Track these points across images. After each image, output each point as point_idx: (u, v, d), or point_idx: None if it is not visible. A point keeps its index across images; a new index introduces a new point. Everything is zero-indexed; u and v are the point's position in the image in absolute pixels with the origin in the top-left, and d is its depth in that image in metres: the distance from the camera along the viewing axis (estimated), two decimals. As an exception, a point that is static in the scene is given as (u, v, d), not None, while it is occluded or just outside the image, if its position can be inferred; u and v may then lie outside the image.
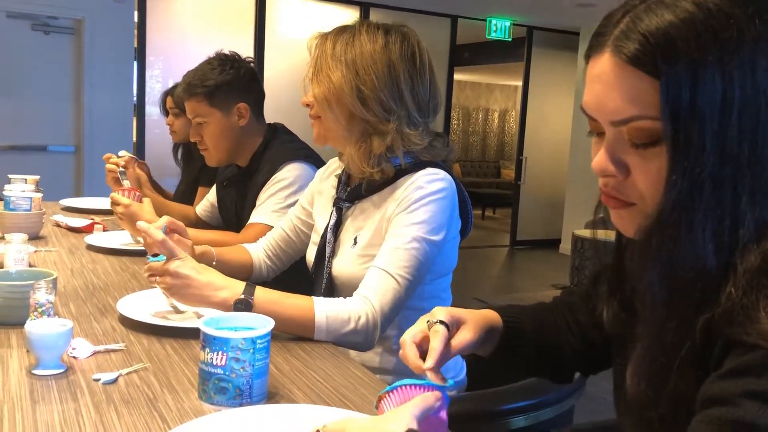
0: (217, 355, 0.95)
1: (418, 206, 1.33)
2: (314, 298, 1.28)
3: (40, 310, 1.14)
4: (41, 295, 1.14)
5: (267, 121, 2.12)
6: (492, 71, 9.80)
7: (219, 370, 0.95)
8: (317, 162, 2.01)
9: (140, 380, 1.04)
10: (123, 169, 2.17)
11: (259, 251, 1.69)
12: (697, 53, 0.65)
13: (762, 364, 0.61)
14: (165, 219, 1.35)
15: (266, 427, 0.88)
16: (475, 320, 0.98)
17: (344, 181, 1.52)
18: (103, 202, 2.73)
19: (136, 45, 5.73)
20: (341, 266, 1.44)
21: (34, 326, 1.05)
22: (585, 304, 1.06)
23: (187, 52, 5.87)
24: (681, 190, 0.66)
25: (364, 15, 6.82)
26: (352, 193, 1.46)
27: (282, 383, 1.06)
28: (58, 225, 2.25)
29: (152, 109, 5.78)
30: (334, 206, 1.49)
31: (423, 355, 0.90)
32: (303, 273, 1.64)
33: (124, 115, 5.43)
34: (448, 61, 7.36)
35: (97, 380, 1.03)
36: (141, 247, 1.94)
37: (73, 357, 1.11)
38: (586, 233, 5.65)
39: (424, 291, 1.41)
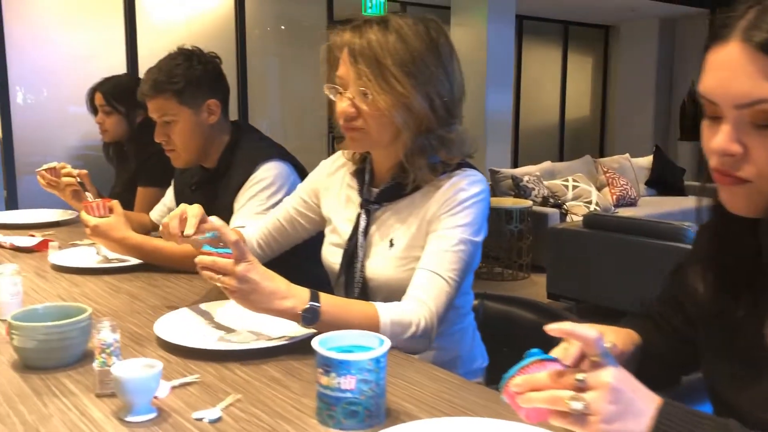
0: (346, 378, 0.93)
1: (461, 209, 1.35)
2: (376, 303, 1.27)
3: (108, 351, 1.05)
4: (107, 334, 1.06)
5: None
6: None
7: (348, 394, 0.93)
8: (292, 160, 1.97)
9: (243, 413, 1.00)
10: (81, 182, 2.01)
11: (250, 239, 1.64)
12: None
13: None
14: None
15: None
16: (620, 336, 1.03)
17: (368, 181, 1.50)
18: (34, 215, 2.50)
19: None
20: (377, 269, 1.43)
21: (123, 370, 0.98)
22: (669, 307, 1.12)
23: (50, 35, 5.47)
24: None
25: (239, -3, 6.61)
26: (382, 195, 1.45)
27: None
28: (0, 246, 2.05)
29: (15, 97, 5.31)
30: (362, 208, 1.47)
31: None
32: (290, 263, 1.61)
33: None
34: (327, 40, 7.29)
35: (200, 419, 0.97)
36: (118, 263, 1.82)
37: (154, 396, 1.04)
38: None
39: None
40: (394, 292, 1.37)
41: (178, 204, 2.13)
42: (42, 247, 2.01)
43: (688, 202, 6.78)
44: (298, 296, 1.20)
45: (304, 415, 0.99)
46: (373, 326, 1.23)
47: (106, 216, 1.73)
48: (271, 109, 7.22)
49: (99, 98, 2.56)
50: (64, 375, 1.13)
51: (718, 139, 0.80)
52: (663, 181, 7.17)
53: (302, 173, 1.96)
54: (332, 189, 1.59)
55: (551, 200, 5.85)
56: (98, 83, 2.60)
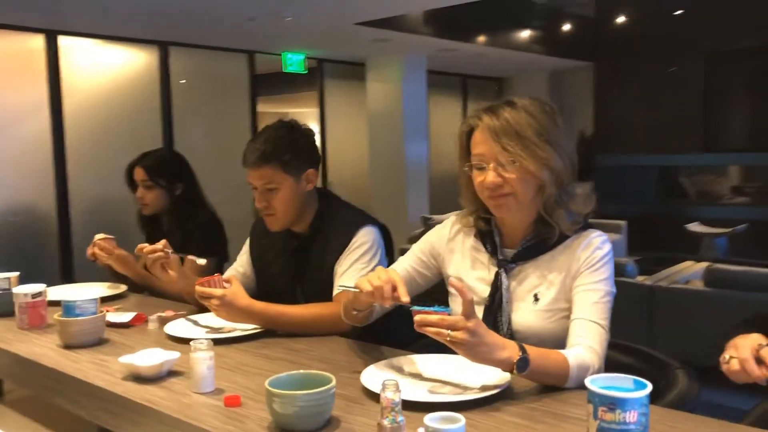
0: (630, 413, 1.13)
1: (601, 265, 1.61)
2: (563, 351, 1.47)
3: (396, 409, 1.19)
4: (391, 394, 1.20)
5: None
6: (289, 101, 10.03)
7: (632, 426, 1.13)
8: (379, 223, 2.14)
9: (526, 452, 1.17)
10: (167, 251, 2.06)
11: None
12: None
13: None
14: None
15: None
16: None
17: (500, 243, 1.71)
18: (84, 292, 2.45)
19: None
20: (524, 322, 1.64)
21: (437, 422, 1.13)
22: None
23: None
24: None
25: (164, 55, 6.64)
26: (521, 254, 1.67)
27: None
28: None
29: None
30: (500, 268, 1.68)
31: None
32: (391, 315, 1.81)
33: None
34: (249, 94, 7.44)
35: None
36: (236, 333, 1.90)
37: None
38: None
39: None
40: (540, 343, 1.57)
41: (257, 268, 2.23)
42: (137, 321, 2.03)
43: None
44: (512, 348, 1.40)
45: (576, 448, 1.18)
46: (565, 371, 1.44)
47: (223, 288, 1.83)
48: (195, 163, 7.18)
49: (140, 173, 2.60)
50: (330, 437, 1.24)
51: None
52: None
53: (386, 236, 2.14)
54: (455, 252, 1.79)
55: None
56: (138, 158, 2.66)
